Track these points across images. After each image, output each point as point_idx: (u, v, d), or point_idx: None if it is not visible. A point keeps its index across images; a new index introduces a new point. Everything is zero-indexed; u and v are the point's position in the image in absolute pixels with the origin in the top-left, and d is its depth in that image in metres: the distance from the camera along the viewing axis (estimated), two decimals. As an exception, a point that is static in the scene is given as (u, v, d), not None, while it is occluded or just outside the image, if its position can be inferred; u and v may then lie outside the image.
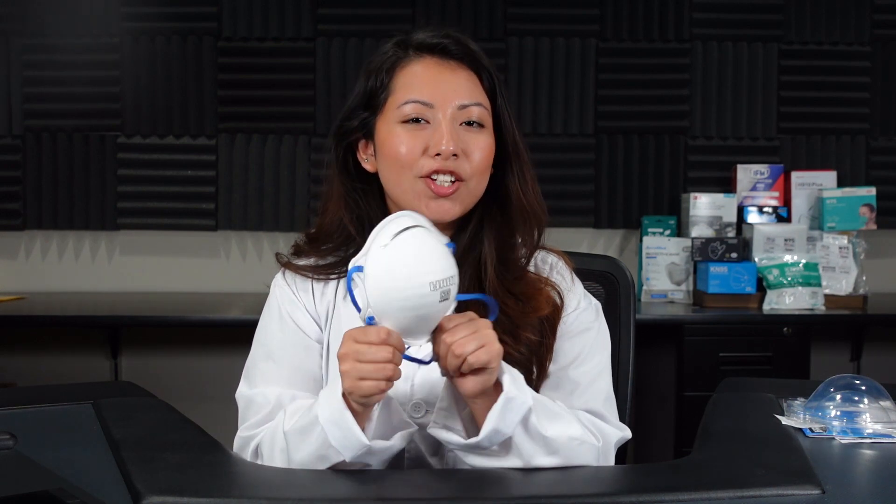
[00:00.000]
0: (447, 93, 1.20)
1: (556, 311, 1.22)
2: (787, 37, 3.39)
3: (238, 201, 3.36)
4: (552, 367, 1.23)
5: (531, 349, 1.19)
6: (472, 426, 1.11)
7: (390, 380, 1.03)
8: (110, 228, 3.35)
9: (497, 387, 1.08)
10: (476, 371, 1.04)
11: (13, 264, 3.38)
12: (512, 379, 1.08)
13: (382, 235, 1.03)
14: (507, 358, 1.13)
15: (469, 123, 1.21)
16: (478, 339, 1.03)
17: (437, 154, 1.18)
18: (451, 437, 1.10)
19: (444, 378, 1.13)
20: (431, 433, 1.12)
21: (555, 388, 1.21)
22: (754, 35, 3.38)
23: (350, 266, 1.04)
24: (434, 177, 1.19)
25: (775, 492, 0.98)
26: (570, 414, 1.17)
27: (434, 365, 1.09)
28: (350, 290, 1.04)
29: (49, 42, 3.30)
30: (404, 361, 1.07)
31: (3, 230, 3.35)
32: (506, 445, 1.10)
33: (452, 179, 1.19)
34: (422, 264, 1.01)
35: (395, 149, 1.20)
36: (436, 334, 1.05)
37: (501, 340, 1.08)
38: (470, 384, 1.05)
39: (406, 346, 1.05)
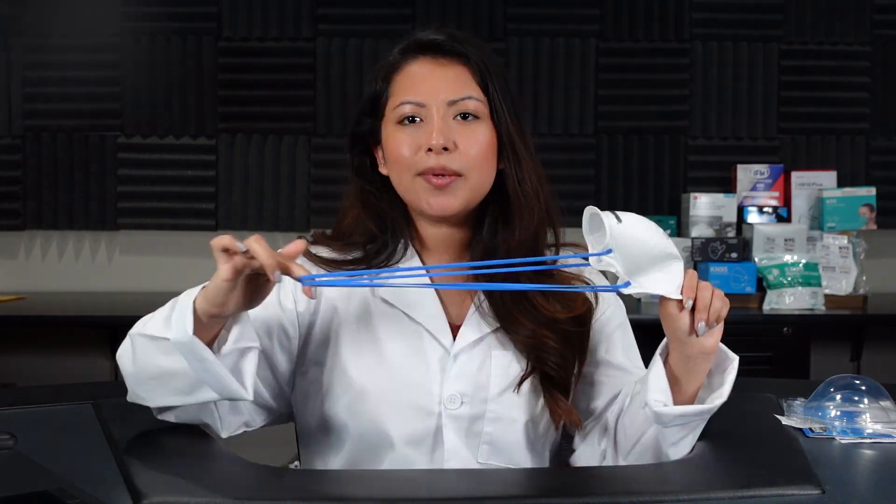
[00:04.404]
0: (437, 89, 1.21)
1: (588, 309, 1.27)
2: (787, 37, 3.39)
3: (238, 201, 3.36)
4: (619, 359, 1.30)
5: (568, 342, 1.23)
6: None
7: (226, 250, 0.99)
8: (110, 228, 3.36)
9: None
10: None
11: (13, 264, 3.38)
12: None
13: (599, 222, 1.11)
14: (547, 350, 1.19)
15: (464, 117, 1.22)
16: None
17: (429, 150, 1.19)
18: (688, 407, 1.14)
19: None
20: (658, 412, 1.12)
21: (628, 375, 1.28)
22: (754, 35, 3.38)
23: (600, 249, 1.14)
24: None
25: (775, 492, 0.98)
26: None
27: (468, 359, 1.20)
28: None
29: (49, 42, 3.30)
30: (436, 350, 1.20)
31: (3, 230, 3.35)
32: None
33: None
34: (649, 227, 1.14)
35: (395, 150, 1.22)
36: (693, 283, 1.16)
37: (541, 334, 1.18)
38: (717, 335, 1.14)
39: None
